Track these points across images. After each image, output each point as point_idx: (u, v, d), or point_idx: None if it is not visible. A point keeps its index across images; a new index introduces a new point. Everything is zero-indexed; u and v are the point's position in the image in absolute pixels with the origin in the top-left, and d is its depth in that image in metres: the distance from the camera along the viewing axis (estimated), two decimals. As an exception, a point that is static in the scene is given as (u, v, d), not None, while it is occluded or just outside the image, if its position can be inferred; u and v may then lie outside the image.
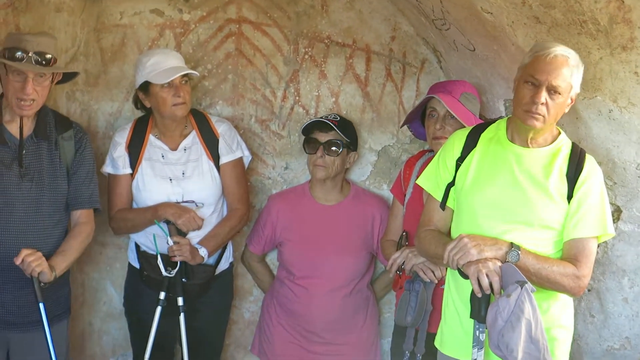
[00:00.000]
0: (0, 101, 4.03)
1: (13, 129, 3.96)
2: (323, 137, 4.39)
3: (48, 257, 3.94)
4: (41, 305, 3.81)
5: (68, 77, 4.12)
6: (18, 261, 3.69)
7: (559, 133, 3.35)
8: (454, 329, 3.44)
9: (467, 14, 3.80)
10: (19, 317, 3.98)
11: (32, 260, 3.72)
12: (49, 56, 3.85)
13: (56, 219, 4.02)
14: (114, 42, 4.72)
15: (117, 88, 4.77)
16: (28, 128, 3.98)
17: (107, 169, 4.42)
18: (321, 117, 4.52)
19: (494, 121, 3.48)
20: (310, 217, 4.54)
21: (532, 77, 3.14)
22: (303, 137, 4.59)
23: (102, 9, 4.68)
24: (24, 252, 3.73)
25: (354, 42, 4.77)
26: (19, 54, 3.80)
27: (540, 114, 3.15)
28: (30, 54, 3.79)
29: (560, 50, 3.15)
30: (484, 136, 3.43)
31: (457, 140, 3.48)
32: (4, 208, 3.90)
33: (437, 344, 3.54)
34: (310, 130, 4.48)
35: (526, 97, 3.16)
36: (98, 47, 4.72)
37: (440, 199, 3.48)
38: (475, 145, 3.42)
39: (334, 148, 4.38)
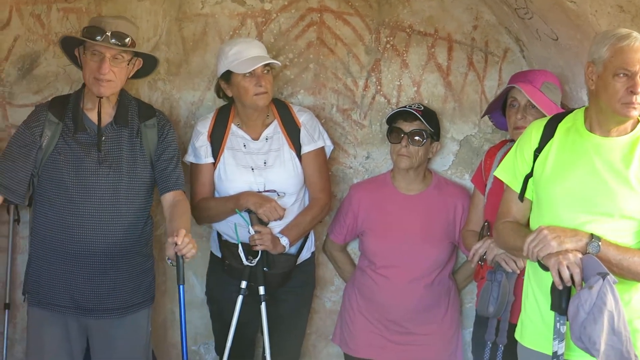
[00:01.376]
0: (81, 90, 4.40)
1: (93, 115, 4.32)
2: (407, 127, 4.65)
3: (126, 245, 4.30)
4: (181, 288, 4.16)
5: (149, 68, 4.44)
6: (180, 240, 3.99)
7: (639, 121, 3.46)
8: (534, 320, 3.58)
9: (551, 3, 4.04)
10: (96, 304, 4.31)
11: (189, 241, 4.05)
12: (126, 39, 4.21)
13: (135, 206, 4.34)
14: (195, 31, 5.07)
15: (199, 77, 5.11)
16: (109, 115, 4.33)
17: (190, 158, 4.74)
18: (405, 107, 4.75)
19: (571, 111, 3.64)
20: (392, 206, 4.79)
21: (623, 69, 3.28)
22: (385, 127, 4.84)
23: None
24: (184, 232, 4.04)
25: (435, 31, 5.04)
26: (97, 33, 4.16)
27: (638, 103, 3.30)
28: (107, 34, 4.15)
29: (635, 34, 3.31)
30: (562, 126, 3.55)
31: (534, 131, 3.62)
32: (82, 194, 4.24)
33: (517, 336, 3.71)
34: (394, 119, 4.72)
35: (621, 90, 3.29)
36: (180, 36, 5.08)
37: (518, 191, 3.63)
38: (552, 136, 3.55)
39: (417, 138, 4.63)
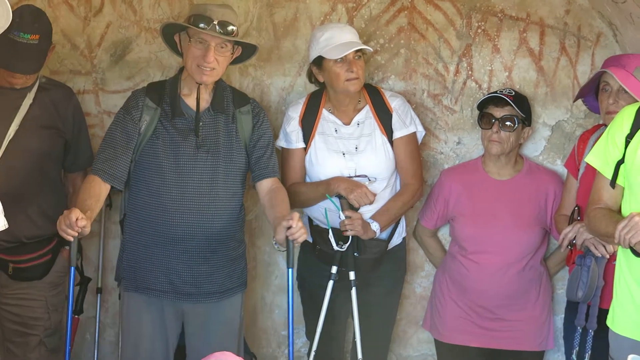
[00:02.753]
0: (177, 76, 4.75)
1: (190, 101, 4.65)
2: (498, 112, 4.90)
3: (223, 229, 4.63)
4: (290, 271, 4.52)
5: (245, 56, 4.76)
6: (294, 223, 4.31)
7: None
8: (627, 307, 3.75)
9: (646, -14, 4.25)
10: (194, 288, 4.64)
11: (302, 226, 4.36)
12: (231, 27, 4.53)
13: (232, 191, 4.66)
14: (286, 17, 5.43)
15: (290, 63, 5.47)
16: (206, 101, 4.66)
17: (281, 143, 5.06)
18: (496, 92, 4.99)
19: (663, 96, 3.79)
20: (483, 192, 5.04)
21: None
22: (476, 112, 5.09)
23: None
24: (297, 216, 4.36)
25: (527, 15, 5.30)
26: (203, 22, 4.48)
27: None
28: (214, 23, 4.47)
29: None
30: None
31: (625, 117, 3.75)
32: (180, 178, 4.56)
33: (609, 322, 3.87)
34: (485, 105, 4.97)
35: None
36: (270, 22, 5.45)
37: (609, 177, 3.77)
38: None
39: (509, 123, 4.88)
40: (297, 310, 5.35)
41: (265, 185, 4.74)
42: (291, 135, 5.05)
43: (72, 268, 4.50)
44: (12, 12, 4.51)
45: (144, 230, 4.68)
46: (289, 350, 4.56)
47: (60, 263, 5.10)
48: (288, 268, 4.52)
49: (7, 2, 2.79)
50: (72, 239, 4.30)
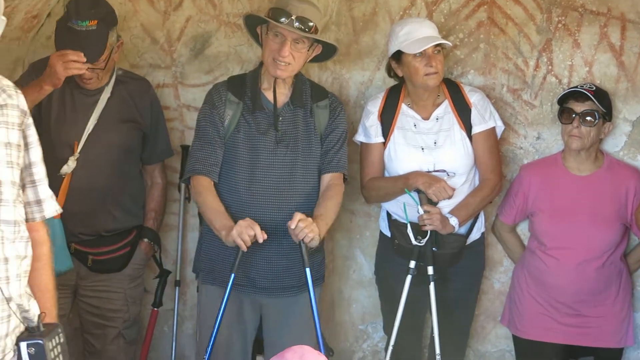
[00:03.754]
0: (258, 69, 4.94)
1: (270, 95, 4.84)
2: (579, 107, 5.01)
3: None
4: (307, 271, 4.62)
5: (326, 54, 4.92)
6: (293, 225, 4.47)
7: None
8: None
9: None
10: (272, 282, 4.83)
11: (305, 226, 4.50)
12: (310, 23, 4.67)
13: (310, 185, 4.85)
14: (365, 12, 5.63)
15: (369, 57, 5.68)
16: (285, 96, 4.86)
17: (360, 137, 5.26)
18: (577, 87, 5.11)
19: None
20: (562, 187, 5.15)
21: None
22: (556, 107, 5.22)
23: None
24: (298, 216, 4.51)
25: (608, 10, 5.39)
26: (282, 16, 4.64)
27: None
28: (292, 18, 4.62)
29: None
30: None
31: None
32: (260, 173, 4.76)
33: None
34: (565, 99, 5.09)
35: None
36: (350, 16, 5.65)
37: None
38: None
39: (589, 118, 4.99)
40: (375, 305, 5.67)
41: (325, 179, 4.91)
42: (370, 129, 5.23)
43: (233, 275, 4.68)
44: (69, 2, 4.85)
45: None
46: (318, 343, 4.68)
47: (139, 255, 5.37)
48: (305, 268, 4.67)
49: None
50: (245, 249, 4.52)
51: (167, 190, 5.65)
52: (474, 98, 5.22)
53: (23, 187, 3.32)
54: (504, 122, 5.39)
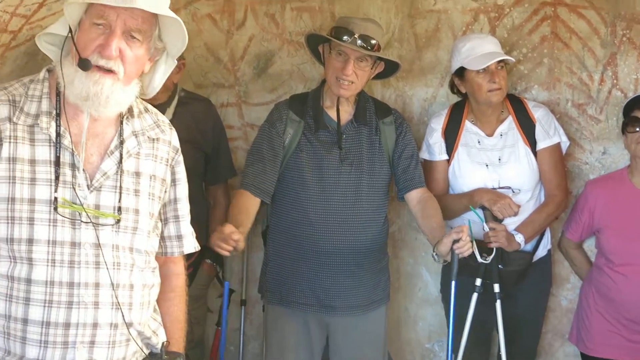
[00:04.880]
0: (320, 88, 4.98)
1: (333, 113, 4.86)
2: None
3: (367, 242, 4.81)
4: (453, 283, 4.69)
5: (390, 71, 4.94)
6: (464, 236, 4.40)
7: None
8: None
9: None
10: (339, 301, 4.85)
11: (469, 240, 4.44)
12: (373, 41, 4.68)
13: (376, 204, 4.87)
14: (428, 28, 5.69)
15: (432, 74, 5.72)
16: (348, 114, 4.88)
17: (423, 155, 5.28)
18: None
19: None
20: (629, 203, 5.08)
21: None
22: (622, 120, 5.15)
23: None
24: (466, 228, 4.45)
25: None
26: (344, 34, 4.67)
27: None
28: (355, 36, 4.65)
29: None
30: None
31: None
32: (324, 191, 4.79)
33: None
34: (631, 108, 5.04)
35: None
36: (412, 33, 5.71)
37: None
38: None
39: None
40: (441, 323, 5.67)
41: (415, 195, 4.92)
42: (434, 147, 5.28)
43: (227, 283, 4.78)
44: None
45: (288, 244, 4.92)
46: None
47: (202, 276, 5.47)
48: (452, 280, 4.69)
49: (182, 24, 3.17)
50: (227, 254, 4.41)
51: (230, 210, 5.68)
52: (538, 113, 5.22)
53: (166, 221, 3.47)
54: (569, 138, 5.39)
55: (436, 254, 4.61)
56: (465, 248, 4.45)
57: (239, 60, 6.01)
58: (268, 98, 5.96)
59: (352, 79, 4.74)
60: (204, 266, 5.47)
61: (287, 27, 5.92)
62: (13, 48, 4.86)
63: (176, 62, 3.32)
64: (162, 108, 5.12)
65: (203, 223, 5.50)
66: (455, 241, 4.45)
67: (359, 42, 4.68)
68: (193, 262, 5.37)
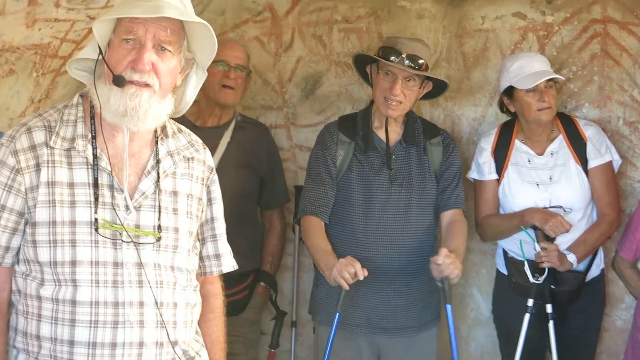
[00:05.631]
0: (368, 108, 5.04)
1: (382, 134, 4.91)
2: None
3: (418, 262, 4.82)
4: (449, 307, 4.67)
5: (438, 91, 4.99)
6: (440, 260, 4.43)
7: None
8: None
9: None
10: (389, 322, 4.86)
11: (451, 262, 4.47)
12: (421, 61, 4.74)
13: (426, 223, 4.90)
14: (476, 47, 5.72)
15: (480, 93, 5.74)
16: (397, 134, 4.92)
17: (473, 174, 5.32)
18: None
19: None
20: None
21: None
22: None
23: (463, 14, 5.70)
24: (445, 252, 4.47)
25: None
26: (392, 54, 4.72)
27: None
28: (402, 56, 4.70)
29: None
30: None
31: None
32: (375, 212, 4.82)
33: None
34: None
35: None
36: (460, 52, 5.74)
37: None
38: None
39: None
40: (494, 343, 5.64)
41: (447, 216, 4.95)
42: (484, 166, 5.29)
43: (338, 314, 4.68)
44: None
45: None
46: None
47: (257, 299, 5.48)
48: (446, 304, 4.70)
49: (211, 29, 3.18)
50: (347, 287, 4.49)
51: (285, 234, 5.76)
52: (589, 132, 5.21)
53: (204, 240, 3.51)
54: (621, 156, 5.36)
55: (435, 280, 4.68)
56: (448, 271, 4.50)
57: (287, 82, 6.06)
58: (316, 119, 6.00)
59: (400, 99, 4.77)
60: (258, 289, 5.49)
61: (335, 49, 5.96)
62: (64, 73, 4.93)
63: (206, 73, 3.34)
64: (219, 131, 5.30)
65: (257, 246, 5.56)
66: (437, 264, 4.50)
67: (406, 61, 4.72)
68: (247, 285, 5.43)
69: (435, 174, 4.96)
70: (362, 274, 4.46)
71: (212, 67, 5.00)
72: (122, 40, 3.09)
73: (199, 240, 3.46)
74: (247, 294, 5.45)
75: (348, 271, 4.44)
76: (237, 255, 5.13)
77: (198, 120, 5.35)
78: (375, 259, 4.79)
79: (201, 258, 3.49)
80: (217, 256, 3.55)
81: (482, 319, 5.89)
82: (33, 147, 3.11)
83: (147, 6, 3.03)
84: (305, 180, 5.09)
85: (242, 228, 5.31)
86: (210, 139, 5.09)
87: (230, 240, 5.09)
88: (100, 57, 3.13)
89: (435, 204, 4.99)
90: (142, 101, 3.07)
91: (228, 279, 5.08)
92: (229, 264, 3.60)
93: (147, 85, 3.07)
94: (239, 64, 5.33)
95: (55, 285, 3.08)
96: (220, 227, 3.55)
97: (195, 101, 5.11)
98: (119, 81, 3.04)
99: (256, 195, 5.51)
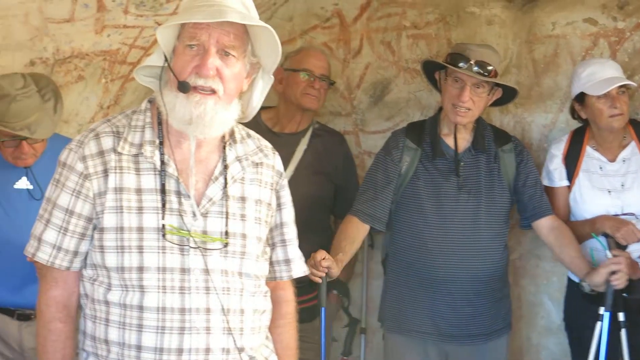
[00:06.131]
0: (437, 115, 5.04)
1: (450, 141, 4.92)
2: None
3: (487, 270, 4.83)
4: (609, 314, 4.68)
5: (508, 98, 4.98)
6: (622, 268, 4.52)
7: None
8: None
9: None
10: (458, 330, 4.89)
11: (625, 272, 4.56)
12: (489, 67, 4.74)
13: (495, 231, 4.88)
14: (546, 53, 5.69)
15: (551, 99, 5.71)
16: (466, 141, 4.93)
17: (544, 181, 5.19)
18: None
19: None
20: None
21: None
22: None
23: (533, 20, 5.69)
24: (624, 259, 4.57)
25: None
26: (461, 61, 4.74)
27: None
28: (471, 62, 4.72)
29: None
30: None
31: None
32: (442, 219, 4.83)
33: None
34: None
35: None
36: (530, 58, 5.71)
37: None
38: None
39: None
40: (565, 352, 5.58)
41: (545, 223, 4.95)
42: (554, 173, 5.23)
43: (323, 309, 4.81)
44: None
45: (406, 272, 4.96)
46: None
47: (329, 307, 5.42)
48: (606, 311, 4.69)
49: (274, 33, 3.17)
50: (319, 280, 4.60)
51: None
52: (662, 138, 5.16)
53: (274, 245, 3.50)
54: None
55: (585, 283, 4.67)
56: (623, 280, 4.52)
57: (356, 89, 6.08)
58: (385, 126, 6.01)
59: (468, 105, 4.76)
60: (330, 297, 5.46)
61: (403, 55, 5.97)
62: (132, 79, 4.99)
63: (273, 77, 3.32)
64: (296, 138, 5.34)
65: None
66: (613, 272, 4.49)
67: (475, 68, 4.72)
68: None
69: (507, 181, 4.96)
70: (320, 265, 4.54)
71: (296, 76, 5.14)
72: (185, 46, 3.09)
73: (268, 245, 3.46)
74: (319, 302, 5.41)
75: (309, 263, 4.46)
76: (309, 262, 5.24)
77: (276, 126, 5.41)
78: (444, 266, 4.82)
79: (271, 263, 3.47)
80: (287, 261, 3.53)
81: (553, 327, 5.86)
82: (101, 153, 3.13)
83: (209, 11, 3.03)
84: (361, 183, 5.14)
85: (315, 235, 5.28)
86: (287, 145, 5.23)
87: (302, 246, 5.16)
88: (166, 63, 3.14)
89: (507, 211, 4.98)
90: (208, 108, 3.06)
91: (300, 286, 5.14)
92: (300, 269, 3.57)
93: (212, 91, 3.07)
94: (323, 74, 5.39)
95: (123, 290, 3.11)
96: (290, 232, 3.54)
97: (273, 107, 5.25)
98: (183, 87, 3.05)
99: (330, 203, 5.55)
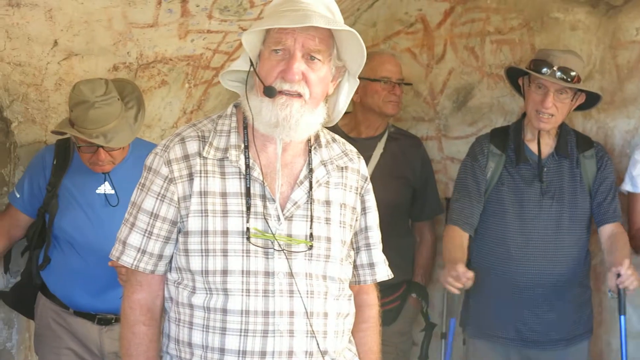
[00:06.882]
0: (520, 121, 5.05)
1: (534, 147, 4.92)
2: None
3: (569, 276, 4.84)
4: (622, 319, 4.72)
5: (591, 103, 4.96)
6: (623, 270, 4.46)
7: None
8: None
9: None
10: (540, 335, 4.89)
11: (632, 273, 4.49)
12: (573, 73, 4.73)
13: (577, 237, 4.89)
14: (630, 59, 5.64)
15: (634, 105, 5.66)
16: (550, 146, 4.94)
17: (626, 187, 5.21)
18: None
19: None
20: None
21: None
22: None
23: (617, 25, 5.65)
24: (627, 262, 4.50)
25: None
26: (544, 67, 4.74)
27: None
28: (554, 68, 4.71)
29: None
30: None
31: None
32: (525, 225, 4.85)
33: None
34: None
35: None
36: (614, 64, 5.67)
37: None
38: None
39: None
40: (641, 358, 5.56)
41: (606, 230, 4.91)
42: (637, 178, 5.19)
43: (453, 320, 4.87)
44: None
45: (489, 277, 4.95)
46: None
47: (409, 310, 5.56)
48: (619, 315, 4.71)
49: (359, 37, 3.18)
50: (457, 292, 4.66)
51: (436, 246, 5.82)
52: None
53: (358, 249, 3.51)
54: None
55: (609, 289, 4.68)
56: (628, 282, 4.49)
57: (439, 94, 6.10)
58: (468, 131, 6.02)
59: (551, 111, 4.76)
60: (410, 301, 5.56)
61: (487, 60, 5.98)
62: (216, 84, 5.04)
63: (358, 81, 3.32)
64: (373, 143, 5.41)
65: (409, 258, 5.65)
66: (618, 275, 4.48)
67: (558, 74, 4.72)
68: (399, 295, 5.51)
69: (588, 187, 4.95)
70: (464, 277, 4.57)
71: (375, 85, 5.19)
72: (271, 51, 3.12)
73: (353, 249, 3.47)
74: (399, 305, 5.53)
75: (450, 275, 4.54)
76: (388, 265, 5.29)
77: (352, 132, 5.47)
78: (527, 272, 4.83)
79: (355, 267, 3.49)
80: (371, 265, 3.52)
81: (634, 332, 5.73)
82: (186, 157, 3.19)
83: (294, 16, 3.05)
84: (453, 191, 5.16)
85: (393, 239, 5.26)
86: (363, 149, 5.18)
87: (383, 250, 5.22)
88: (252, 68, 3.18)
89: (589, 217, 4.97)
90: (293, 111, 3.08)
91: (381, 289, 5.20)
92: (384, 273, 3.57)
93: (298, 94, 3.09)
94: (400, 79, 5.48)
95: (207, 293, 3.15)
96: (375, 236, 3.53)
97: (348, 113, 5.27)
98: (269, 92, 3.08)
99: (408, 207, 5.60)
